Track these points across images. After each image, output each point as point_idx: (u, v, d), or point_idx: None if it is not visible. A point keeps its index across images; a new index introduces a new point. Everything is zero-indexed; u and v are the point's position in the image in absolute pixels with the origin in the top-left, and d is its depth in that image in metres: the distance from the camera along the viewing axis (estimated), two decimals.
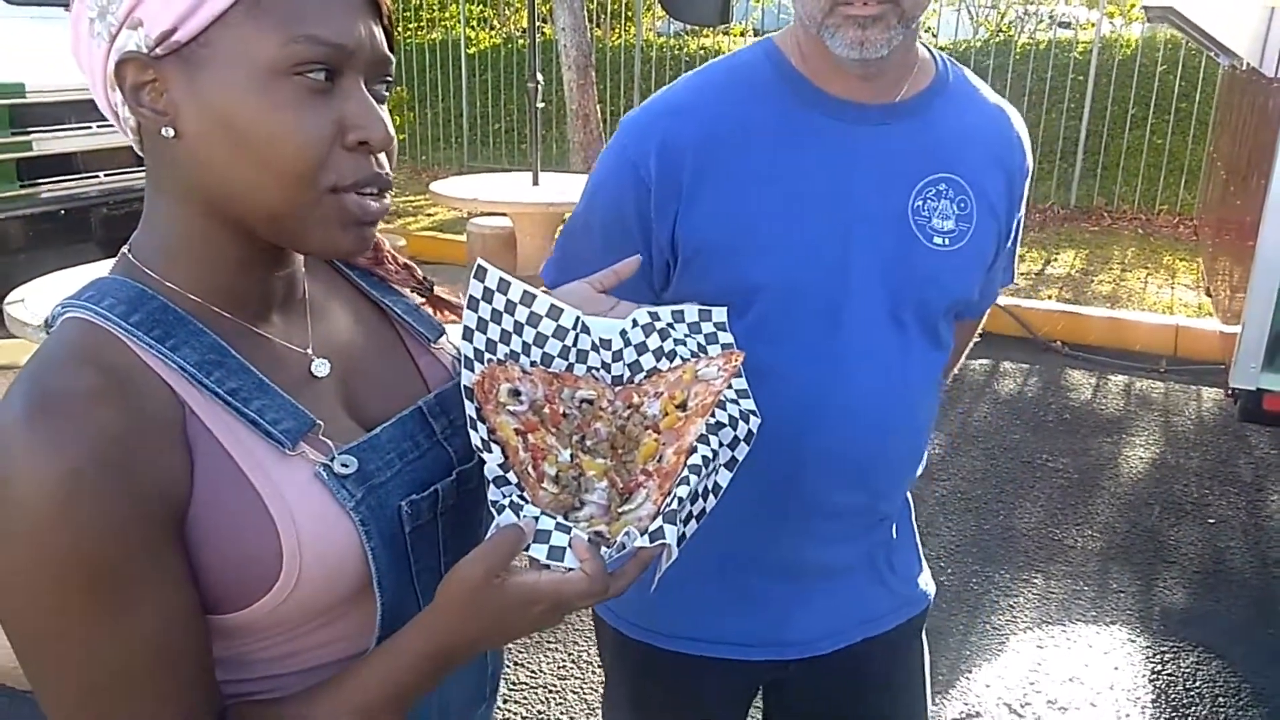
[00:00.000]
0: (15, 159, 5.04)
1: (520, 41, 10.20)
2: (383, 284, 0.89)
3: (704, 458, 0.79)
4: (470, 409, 0.76)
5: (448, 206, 6.15)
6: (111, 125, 0.71)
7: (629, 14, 10.07)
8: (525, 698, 2.55)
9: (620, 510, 0.77)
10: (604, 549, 0.72)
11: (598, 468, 0.80)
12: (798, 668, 1.25)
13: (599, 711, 2.54)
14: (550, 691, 2.59)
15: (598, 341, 0.90)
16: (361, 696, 0.71)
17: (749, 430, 0.88)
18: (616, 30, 10.01)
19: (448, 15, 11.42)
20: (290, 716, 0.72)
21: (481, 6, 11.61)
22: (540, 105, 5.67)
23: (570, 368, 0.89)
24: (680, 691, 1.29)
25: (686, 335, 0.92)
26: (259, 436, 0.69)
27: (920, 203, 1.11)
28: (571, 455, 0.80)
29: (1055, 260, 6.66)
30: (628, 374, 0.91)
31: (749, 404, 0.89)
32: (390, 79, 0.73)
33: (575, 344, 0.89)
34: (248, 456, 0.68)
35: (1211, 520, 3.48)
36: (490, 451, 0.74)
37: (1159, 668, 2.70)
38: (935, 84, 1.15)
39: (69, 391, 0.63)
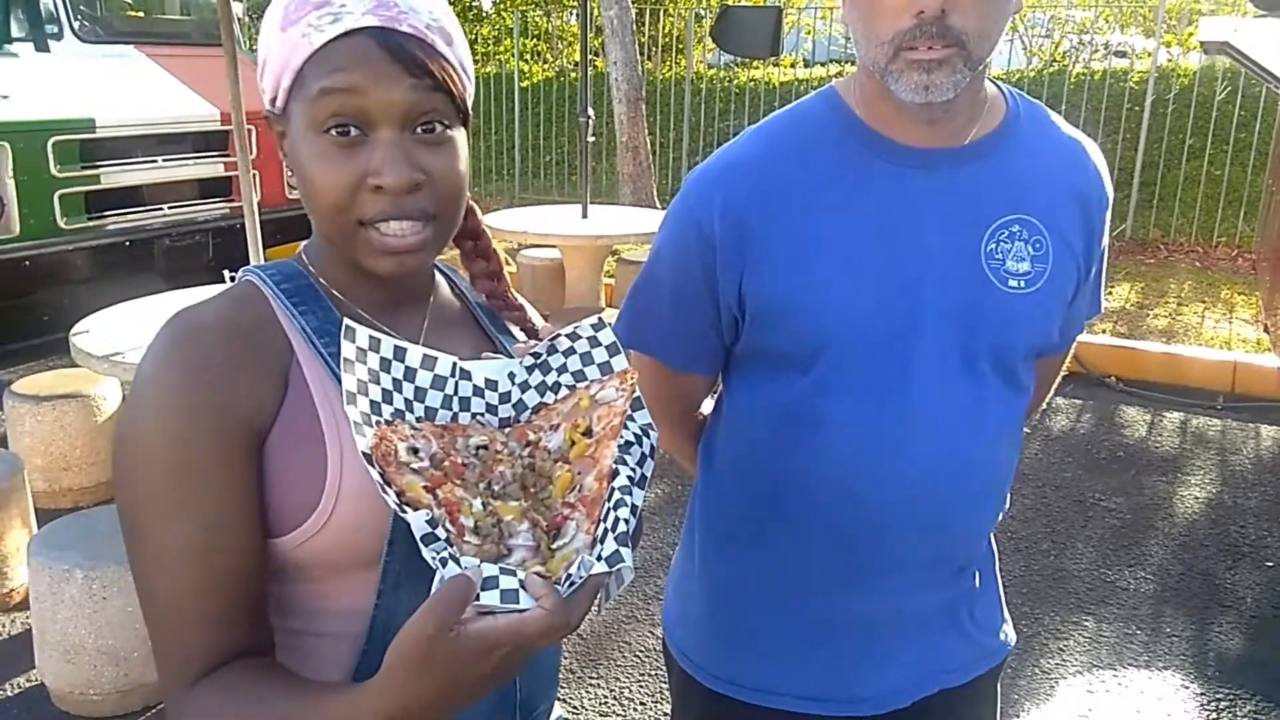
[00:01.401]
0: (84, 192, 5.22)
1: (572, 75, 10.34)
2: (503, 328, 1.00)
3: (629, 477, 0.79)
4: (374, 475, 0.75)
5: (499, 238, 6.22)
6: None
7: (680, 47, 10.16)
8: None
9: (553, 547, 0.77)
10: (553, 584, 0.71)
11: (514, 510, 0.79)
12: None
13: None
14: None
15: (481, 385, 0.89)
16: None
17: (651, 445, 0.90)
18: (667, 63, 10.10)
19: (502, 49, 11.62)
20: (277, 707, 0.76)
21: (536, 41, 11.80)
22: (591, 139, 5.74)
23: (455, 417, 0.88)
24: None
25: (564, 362, 0.91)
26: (342, 395, 0.80)
27: (993, 246, 1.10)
28: (484, 503, 0.79)
29: (1110, 293, 6.53)
30: (513, 415, 0.90)
31: (644, 416, 0.90)
32: (433, 122, 0.83)
33: (456, 392, 0.88)
34: (328, 408, 0.82)
35: (1270, 563, 3.38)
36: (407, 512, 0.74)
37: (1214, 716, 2.62)
38: (1006, 122, 1.13)
39: (200, 322, 0.82)
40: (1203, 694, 2.71)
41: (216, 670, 0.78)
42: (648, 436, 0.90)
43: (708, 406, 1.36)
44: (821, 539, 1.15)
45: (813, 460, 1.13)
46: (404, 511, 0.73)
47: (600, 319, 0.93)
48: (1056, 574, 3.31)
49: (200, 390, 0.78)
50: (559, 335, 0.92)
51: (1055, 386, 1.44)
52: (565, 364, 0.92)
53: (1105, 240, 1.22)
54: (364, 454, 0.76)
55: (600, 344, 0.92)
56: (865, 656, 1.20)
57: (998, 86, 1.16)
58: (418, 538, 0.72)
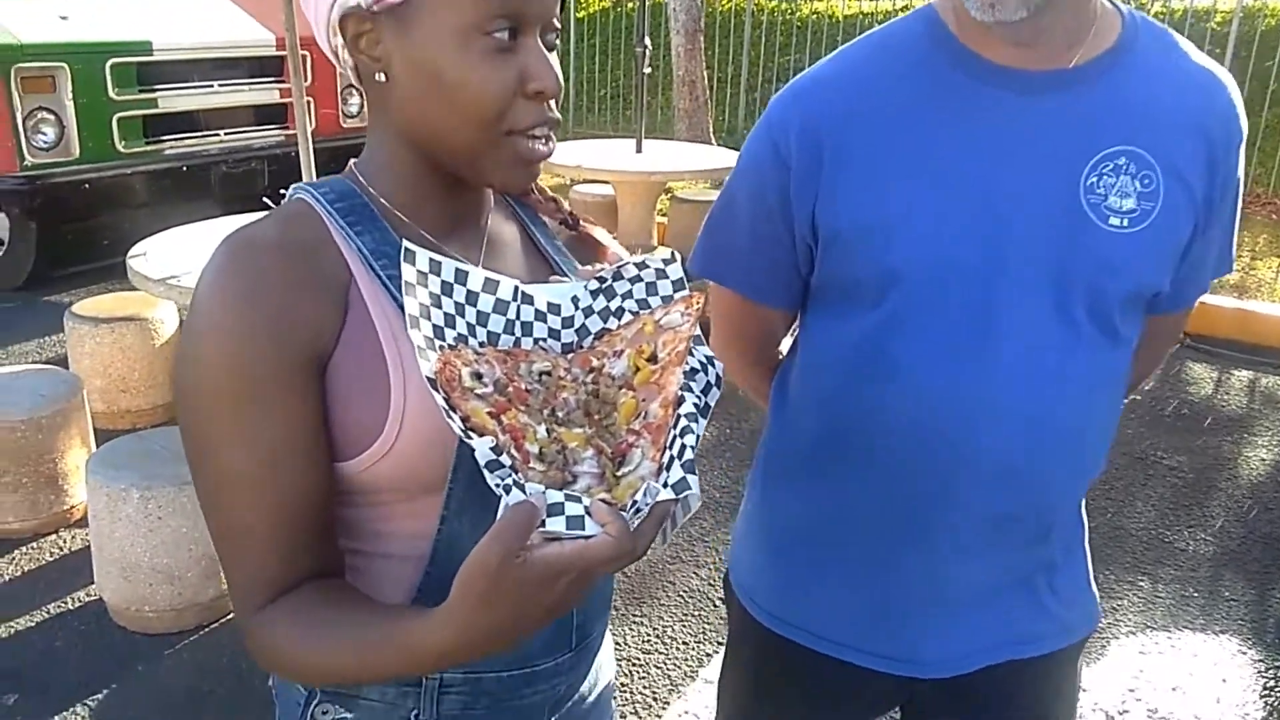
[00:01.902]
0: (141, 115, 5.24)
1: (629, 5, 10.13)
2: (544, 228, 0.99)
3: (695, 404, 0.77)
4: (439, 400, 0.73)
5: (552, 173, 6.18)
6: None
7: None
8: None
9: (618, 474, 0.75)
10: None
11: (578, 438, 0.78)
12: (934, 685, 1.19)
13: (681, 687, 2.56)
14: (634, 665, 2.60)
15: (544, 309, 0.87)
16: (392, 669, 0.76)
17: (716, 374, 0.88)
18: None
19: None
20: (353, 625, 0.77)
21: None
22: (647, 71, 5.62)
23: (518, 342, 0.86)
24: (806, 688, 1.26)
25: (629, 289, 0.89)
26: (402, 319, 0.79)
27: (1095, 179, 1.01)
28: (548, 430, 0.78)
29: None
30: (576, 340, 0.88)
31: (705, 349, 0.88)
32: (559, 29, 0.83)
33: (519, 316, 0.86)
34: (388, 329, 0.80)
35: None
36: (472, 438, 0.72)
37: (1271, 683, 2.56)
38: (1120, 45, 1.04)
39: (258, 240, 0.80)
40: (1260, 660, 2.65)
41: (286, 594, 0.79)
42: (713, 366, 0.88)
43: (787, 345, 1.31)
44: (888, 488, 1.10)
45: (882, 403, 1.08)
46: (469, 437, 0.72)
47: (674, 254, 0.91)
48: (1113, 532, 3.24)
49: (260, 310, 0.76)
50: (626, 263, 0.90)
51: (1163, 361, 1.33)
52: (630, 290, 0.90)
53: (1238, 188, 1.11)
54: (428, 379, 0.75)
55: (668, 278, 0.89)
56: (929, 616, 1.15)
57: (1115, 6, 1.07)
58: (482, 464, 0.70)
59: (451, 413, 0.73)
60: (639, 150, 5.40)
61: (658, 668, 2.59)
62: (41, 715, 2.34)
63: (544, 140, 0.82)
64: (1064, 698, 1.27)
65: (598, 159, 5.17)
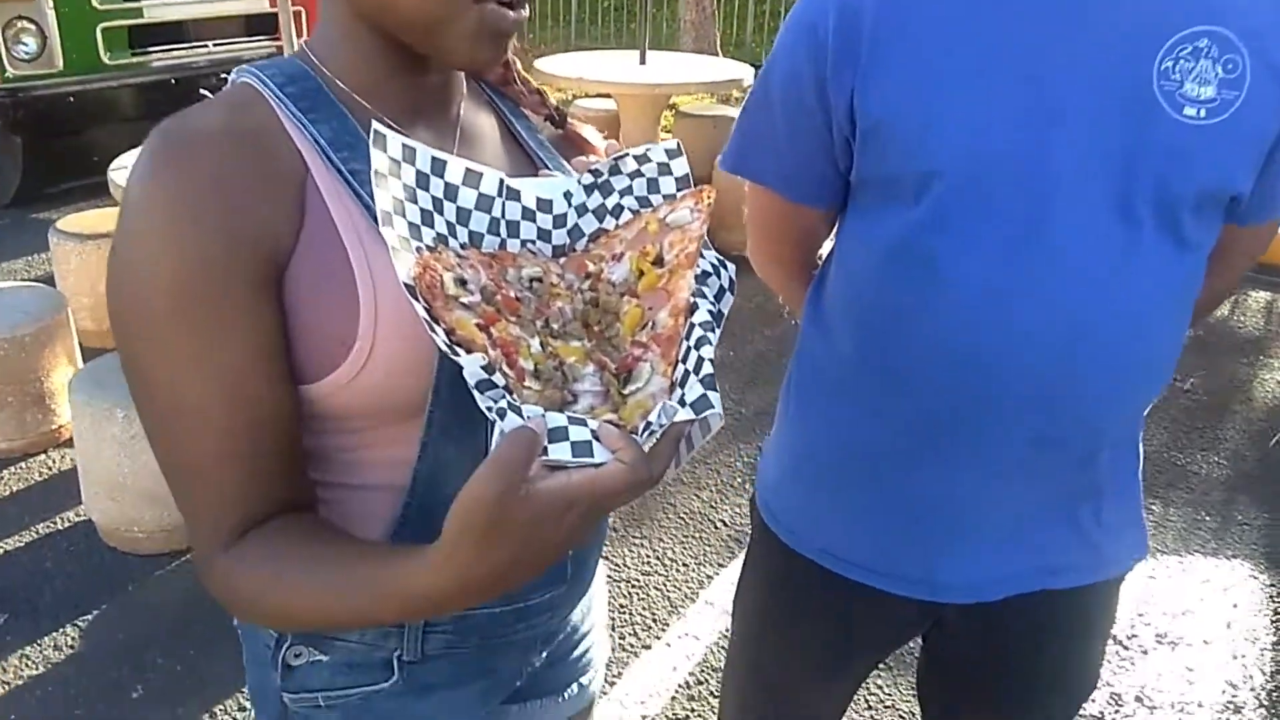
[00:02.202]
0: (127, 25, 5.05)
1: None
2: (526, 122, 0.90)
3: (710, 311, 0.70)
4: (420, 310, 0.64)
5: (554, 86, 5.98)
6: None
7: None
8: (610, 590, 2.53)
9: (624, 392, 0.68)
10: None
11: (576, 352, 0.70)
12: (959, 611, 1.13)
13: (681, 609, 2.52)
14: (634, 587, 2.56)
15: (532, 206, 0.78)
16: (379, 617, 0.70)
17: (730, 279, 0.79)
18: None
19: None
20: (330, 563, 0.70)
21: None
22: None
23: (503, 244, 0.77)
24: (827, 611, 1.21)
25: (629, 185, 0.80)
26: (367, 218, 0.72)
27: (1170, 63, 0.90)
28: (543, 344, 0.70)
29: None
30: (569, 242, 0.80)
31: (714, 253, 0.80)
32: None
33: (504, 214, 0.77)
34: (352, 231, 0.71)
35: None
36: (459, 354, 0.63)
37: None
38: None
39: (200, 129, 0.70)
40: (1271, 585, 2.60)
41: (251, 531, 0.71)
42: (725, 269, 0.79)
43: (825, 251, 1.23)
44: (920, 404, 1.02)
45: (918, 311, 0.99)
46: (455, 353, 0.63)
47: (678, 145, 0.81)
48: None
49: (203, 211, 0.67)
50: (625, 155, 0.80)
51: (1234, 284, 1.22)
52: (630, 186, 0.81)
53: None
54: (406, 285, 0.65)
55: (671, 173, 0.80)
56: (954, 538, 1.08)
57: None
58: (471, 384, 0.62)
59: (434, 325, 0.65)
60: (642, 62, 5.21)
61: (657, 589, 2.55)
62: (31, 636, 2.31)
63: (512, 5, 0.73)
64: (1097, 632, 1.21)
65: (599, 71, 4.99)
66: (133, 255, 0.67)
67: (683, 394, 0.63)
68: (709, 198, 0.74)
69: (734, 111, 5.76)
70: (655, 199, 0.80)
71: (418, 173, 0.71)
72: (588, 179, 0.81)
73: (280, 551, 0.70)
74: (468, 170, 0.74)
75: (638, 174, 0.80)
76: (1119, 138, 0.91)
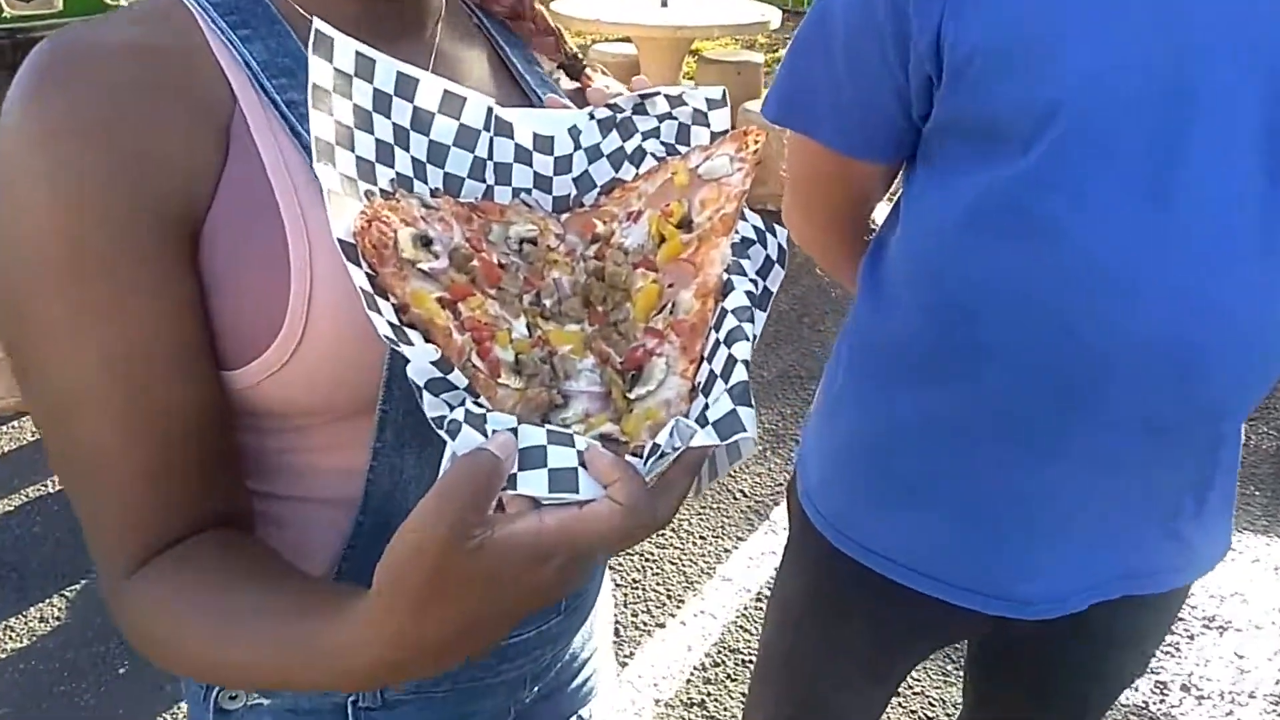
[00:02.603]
0: None
1: None
2: (526, 57, 0.76)
3: (749, 294, 0.54)
4: (358, 278, 0.49)
5: (571, 30, 5.76)
6: None
7: None
8: (620, 564, 2.40)
9: (630, 395, 0.53)
10: (628, 458, 0.48)
11: (572, 338, 0.56)
12: (1031, 622, 1.00)
13: (697, 584, 2.39)
14: (648, 561, 2.43)
15: (528, 145, 0.63)
16: (312, 682, 0.54)
17: (779, 246, 0.63)
18: None
19: None
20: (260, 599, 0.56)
21: None
22: None
23: (489, 192, 0.61)
24: (876, 616, 1.08)
25: (655, 127, 0.65)
26: (306, 163, 0.58)
27: None
28: (530, 326, 0.55)
29: None
30: (574, 193, 0.65)
31: (755, 216, 0.64)
32: None
33: (491, 153, 0.61)
34: (284, 178, 0.58)
35: None
36: (407, 341, 0.48)
37: None
38: None
39: (96, 43, 0.55)
40: None
41: (164, 552, 0.58)
42: (773, 234, 0.63)
43: (880, 215, 1.06)
44: (1017, 385, 0.88)
45: (1019, 277, 0.84)
46: (400, 341, 0.48)
47: (723, 93, 0.64)
48: None
49: (97, 149, 0.53)
50: (655, 92, 0.64)
51: None
52: (658, 129, 0.65)
53: None
54: (342, 243, 0.50)
55: (708, 126, 0.64)
56: (1041, 543, 0.94)
57: None
58: (419, 385, 0.48)
59: (377, 298, 0.49)
60: (664, 4, 4.98)
61: (673, 563, 2.42)
62: (16, 607, 2.22)
63: None
64: (1160, 632, 1.10)
65: (618, 12, 4.76)
66: (9, 203, 0.53)
67: (706, 406, 0.48)
68: (755, 143, 0.59)
69: (759, 57, 5.53)
70: (684, 149, 0.64)
71: (375, 92, 0.56)
72: (603, 113, 0.65)
73: (187, 586, 0.56)
74: (446, 93, 0.59)
75: (668, 117, 0.65)
76: (1275, 69, 0.75)
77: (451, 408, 0.48)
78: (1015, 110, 0.80)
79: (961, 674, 1.30)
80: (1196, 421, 0.88)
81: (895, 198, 1.01)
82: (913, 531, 0.99)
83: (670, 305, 0.56)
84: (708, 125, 0.64)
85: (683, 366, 0.53)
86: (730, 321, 0.52)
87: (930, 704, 2.05)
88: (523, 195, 0.63)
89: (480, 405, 0.50)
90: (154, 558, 0.57)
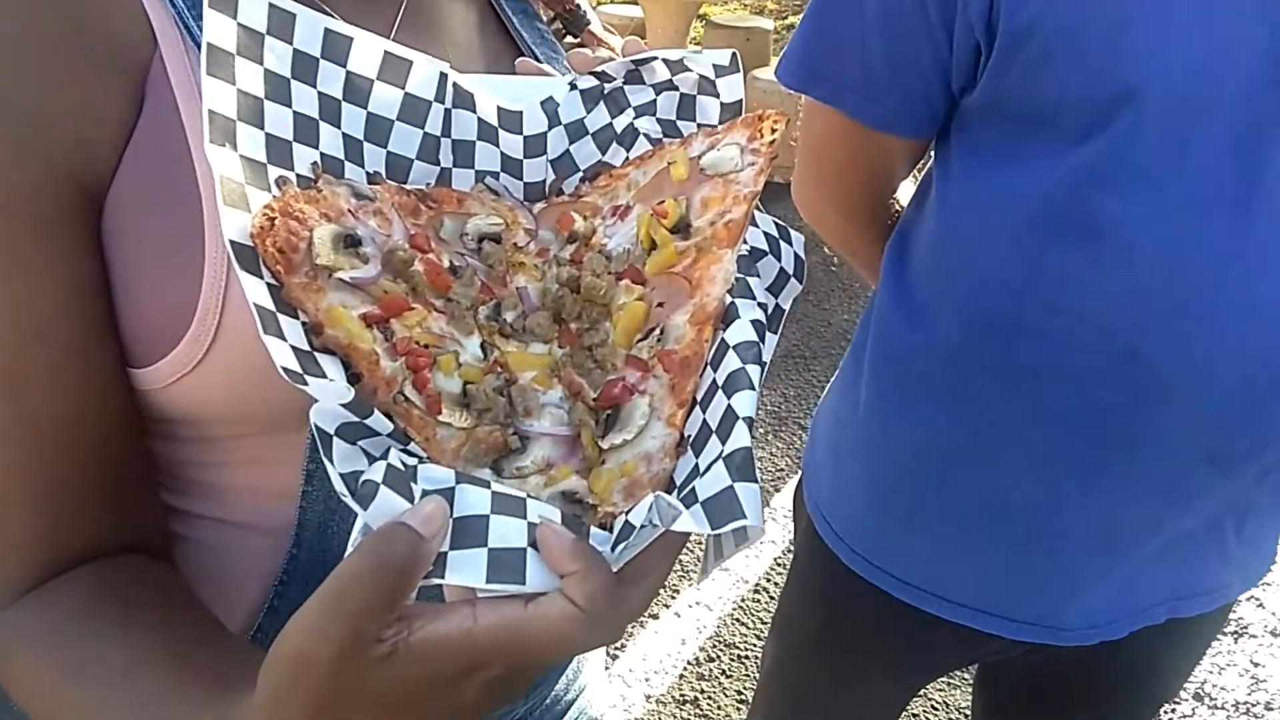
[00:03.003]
0: None
1: None
2: (523, 10, 0.68)
3: (757, 321, 0.45)
4: (253, 289, 0.39)
5: None
6: None
7: None
8: None
9: (603, 444, 0.44)
10: (594, 532, 0.39)
11: (537, 363, 0.47)
12: (1062, 648, 0.93)
13: (692, 574, 2.30)
14: None
15: (492, 120, 0.52)
16: None
17: (795, 256, 0.53)
18: None
19: None
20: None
21: None
22: None
23: (444, 177, 0.51)
24: (892, 642, 1.00)
25: (652, 100, 0.55)
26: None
27: None
28: (484, 345, 0.46)
29: None
30: (550, 178, 0.55)
31: (769, 218, 0.53)
32: None
33: (447, 129, 0.51)
34: (200, 136, 0.48)
35: None
36: (316, 373, 0.39)
37: None
38: None
39: None
40: None
41: (51, 582, 0.50)
42: (788, 242, 0.53)
43: (905, 194, 0.97)
44: (1065, 406, 0.80)
45: (1073, 289, 0.75)
46: (303, 375, 0.38)
47: (734, 57, 0.54)
48: None
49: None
50: (653, 57, 0.55)
51: None
52: (655, 102, 0.55)
53: None
54: (234, 245, 0.41)
55: (717, 96, 0.54)
56: (1085, 571, 0.87)
57: None
58: (320, 430, 0.38)
59: (281, 317, 0.40)
60: None
61: None
62: None
63: None
64: (1204, 650, 1.04)
65: None
66: None
67: (696, 471, 0.39)
68: (773, 131, 0.48)
69: (769, 23, 5.37)
70: (688, 125, 0.54)
71: (295, 54, 0.46)
72: (588, 82, 0.55)
73: (54, 631, 0.48)
74: (388, 55, 0.49)
75: (668, 87, 0.54)
76: None
77: (373, 459, 0.38)
78: (1078, 96, 0.70)
79: (967, 677, 1.22)
80: (1261, 451, 0.79)
81: (921, 177, 0.91)
82: (946, 559, 0.91)
83: (659, 330, 0.46)
84: (716, 95, 0.53)
85: (669, 410, 0.44)
86: (732, 361, 0.42)
87: (934, 707, 1.97)
88: (488, 180, 0.53)
89: (412, 454, 0.40)
90: (36, 588, 0.49)
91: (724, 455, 0.39)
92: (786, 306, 0.53)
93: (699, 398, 0.44)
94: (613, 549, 0.38)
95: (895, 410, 0.92)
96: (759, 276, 0.49)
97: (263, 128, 0.44)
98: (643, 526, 0.38)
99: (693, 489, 0.39)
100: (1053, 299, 0.76)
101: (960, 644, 0.96)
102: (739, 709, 1.95)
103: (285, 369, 0.38)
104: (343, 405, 0.38)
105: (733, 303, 0.45)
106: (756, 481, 0.38)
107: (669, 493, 0.41)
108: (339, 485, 0.37)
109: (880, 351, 0.93)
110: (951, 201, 0.83)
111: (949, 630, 0.92)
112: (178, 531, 0.57)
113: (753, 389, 0.41)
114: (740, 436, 0.39)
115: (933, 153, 0.88)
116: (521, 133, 0.53)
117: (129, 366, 0.50)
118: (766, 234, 0.53)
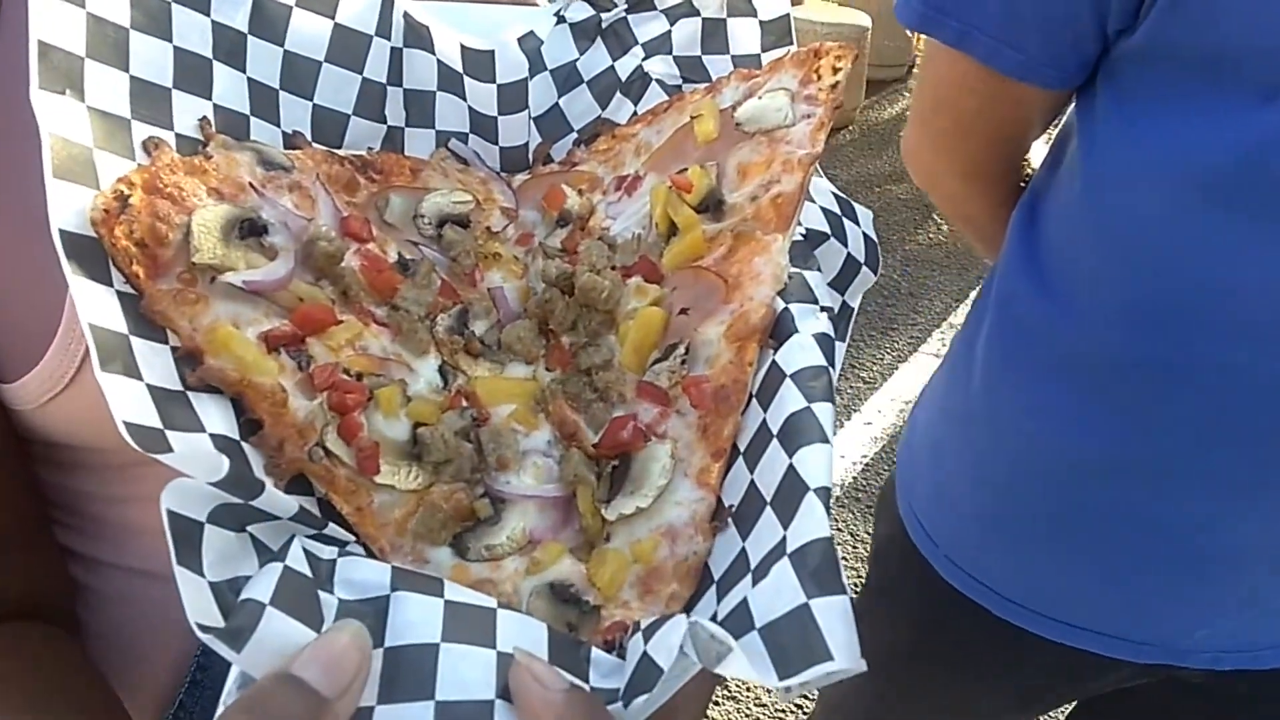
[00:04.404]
0: None
1: None
2: None
3: (820, 337, 0.32)
4: (91, 298, 0.28)
5: None
6: None
7: None
8: None
9: (609, 509, 0.31)
10: (596, 657, 0.27)
11: (516, 390, 0.34)
12: (1191, 675, 0.87)
13: None
14: None
15: (455, 62, 0.38)
16: None
17: (864, 237, 0.41)
18: None
19: None
20: None
21: None
22: None
23: (393, 138, 0.38)
24: (997, 665, 0.92)
25: (665, 32, 0.41)
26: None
27: None
28: (444, 369, 0.34)
29: None
30: (533, 140, 0.41)
31: (828, 184, 0.41)
32: None
33: (397, 77, 0.37)
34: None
35: None
36: (187, 426, 0.27)
37: None
38: None
39: None
40: None
41: None
42: (851, 218, 0.39)
43: (1039, 157, 0.85)
44: (1232, 411, 0.72)
45: (1249, 274, 0.65)
46: (162, 436, 0.27)
47: None
48: None
49: None
50: None
51: None
52: (669, 35, 0.40)
53: None
54: (64, 235, 0.29)
55: (755, 14, 0.39)
56: (1229, 596, 0.80)
57: None
58: (179, 519, 0.26)
59: (136, 342, 0.28)
60: None
61: None
62: None
63: None
64: None
65: None
66: None
67: (747, 570, 0.27)
68: (836, 69, 0.35)
69: None
70: (718, 63, 0.40)
71: None
72: (580, 11, 0.40)
73: None
74: None
75: (687, 12, 0.40)
76: None
77: (267, 555, 0.26)
78: (1268, 42, 0.58)
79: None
80: None
81: (1056, 135, 0.79)
82: (1054, 573, 0.83)
83: (683, 347, 0.33)
84: (752, 12, 0.39)
85: (700, 463, 0.31)
86: (790, 398, 0.30)
87: None
88: (452, 143, 0.40)
89: (331, 539, 0.28)
90: None
91: (790, 550, 0.26)
92: (856, 304, 0.40)
93: (742, 446, 0.30)
94: (623, 697, 0.26)
95: (1018, 407, 0.80)
96: (819, 269, 0.35)
97: (126, 69, 0.31)
98: (670, 669, 0.25)
99: (744, 601, 0.26)
100: (1222, 283, 0.66)
101: (1072, 671, 0.88)
102: None
103: (129, 425, 0.26)
104: (214, 484, 0.26)
105: (786, 309, 0.32)
106: (845, 592, 0.25)
107: (704, 588, 0.29)
108: (198, 611, 0.25)
109: (1001, 336, 0.81)
110: (1097, 164, 0.70)
111: (1061, 654, 0.85)
112: (83, 581, 0.47)
113: (825, 441, 0.28)
114: (813, 518, 0.26)
115: (1074, 107, 0.76)
116: (494, 80, 0.39)
117: (6, 379, 0.40)
118: (825, 210, 0.39)
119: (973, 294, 3.74)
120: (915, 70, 5.44)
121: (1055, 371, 0.79)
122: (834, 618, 0.25)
